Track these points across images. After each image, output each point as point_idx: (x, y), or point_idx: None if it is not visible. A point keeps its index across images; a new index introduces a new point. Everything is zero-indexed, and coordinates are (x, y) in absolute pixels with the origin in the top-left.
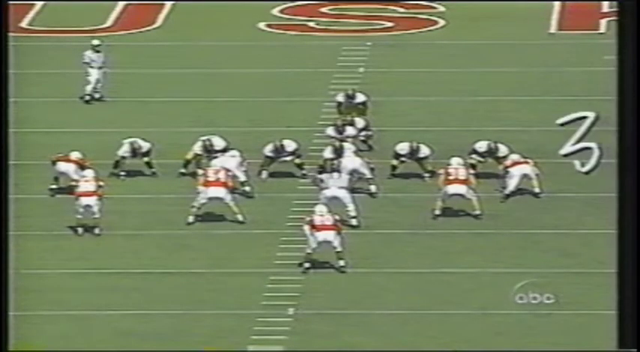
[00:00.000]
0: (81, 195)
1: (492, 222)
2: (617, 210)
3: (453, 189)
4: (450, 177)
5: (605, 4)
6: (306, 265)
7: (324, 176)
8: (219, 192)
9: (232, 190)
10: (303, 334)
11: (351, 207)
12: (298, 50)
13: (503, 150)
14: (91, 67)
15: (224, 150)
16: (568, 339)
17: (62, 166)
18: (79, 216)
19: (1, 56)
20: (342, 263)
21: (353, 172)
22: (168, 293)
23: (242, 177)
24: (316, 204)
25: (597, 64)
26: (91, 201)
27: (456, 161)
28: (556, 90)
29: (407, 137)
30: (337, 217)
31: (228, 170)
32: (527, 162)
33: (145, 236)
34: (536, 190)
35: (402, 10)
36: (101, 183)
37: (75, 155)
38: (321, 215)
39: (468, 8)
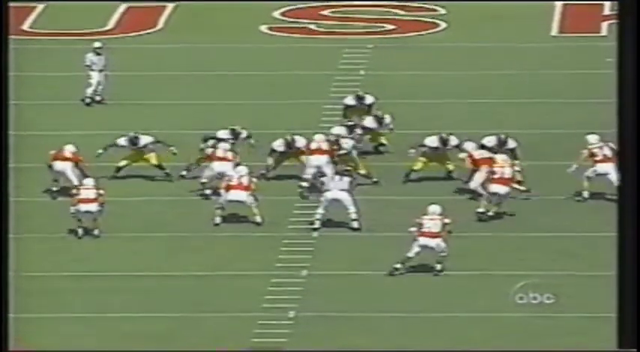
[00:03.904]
0: (80, 202)
1: (493, 224)
2: (617, 212)
3: (495, 188)
4: (495, 176)
5: (607, 6)
6: (397, 266)
7: (325, 178)
8: (240, 195)
9: (253, 193)
10: (304, 336)
11: (352, 209)
12: (299, 53)
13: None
14: (93, 70)
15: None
16: (568, 340)
17: (59, 166)
18: (79, 223)
19: (2, 58)
20: (439, 266)
21: (317, 168)
22: (169, 296)
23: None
24: (317, 206)
25: (599, 67)
26: (92, 207)
27: (501, 158)
28: (558, 92)
29: (407, 138)
30: (447, 221)
31: (252, 173)
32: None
33: (146, 238)
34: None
35: (403, 12)
36: (101, 192)
37: (69, 149)
38: (431, 219)
39: (470, 11)
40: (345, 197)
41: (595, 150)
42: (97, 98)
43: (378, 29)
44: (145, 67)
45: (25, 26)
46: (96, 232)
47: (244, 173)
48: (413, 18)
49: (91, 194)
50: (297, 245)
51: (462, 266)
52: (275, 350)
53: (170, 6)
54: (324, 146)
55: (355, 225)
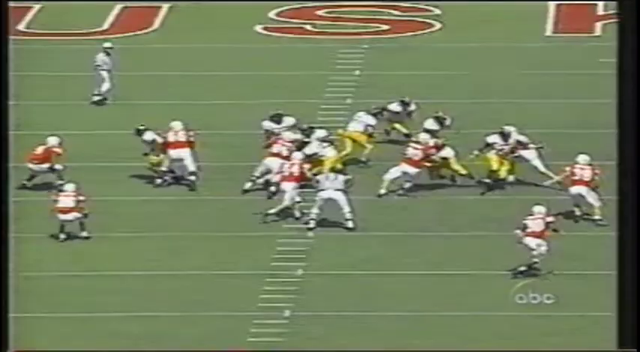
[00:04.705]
0: (58, 212)
1: (493, 224)
2: (617, 213)
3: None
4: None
5: (600, 6)
6: (521, 268)
7: (320, 177)
8: (288, 186)
9: (301, 184)
10: (300, 336)
11: (346, 208)
12: (295, 53)
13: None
14: (103, 70)
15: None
16: (568, 340)
17: (31, 166)
18: (61, 228)
19: (2, 58)
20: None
21: (268, 169)
22: (165, 296)
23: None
24: (312, 205)
25: (593, 67)
26: (69, 217)
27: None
28: (552, 92)
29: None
30: (549, 219)
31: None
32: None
33: (143, 238)
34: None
35: (398, 12)
36: (81, 198)
37: (50, 143)
38: (534, 219)
39: (464, 11)
40: (339, 196)
41: (576, 170)
42: (96, 99)
43: (373, 29)
44: (140, 67)
45: (21, 26)
46: (84, 234)
47: (296, 160)
48: (407, 18)
49: (70, 202)
50: (292, 244)
51: (462, 266)
52: (271, 350)
53: (166, 6)
54: (284, 151)
55: (350, 224)
